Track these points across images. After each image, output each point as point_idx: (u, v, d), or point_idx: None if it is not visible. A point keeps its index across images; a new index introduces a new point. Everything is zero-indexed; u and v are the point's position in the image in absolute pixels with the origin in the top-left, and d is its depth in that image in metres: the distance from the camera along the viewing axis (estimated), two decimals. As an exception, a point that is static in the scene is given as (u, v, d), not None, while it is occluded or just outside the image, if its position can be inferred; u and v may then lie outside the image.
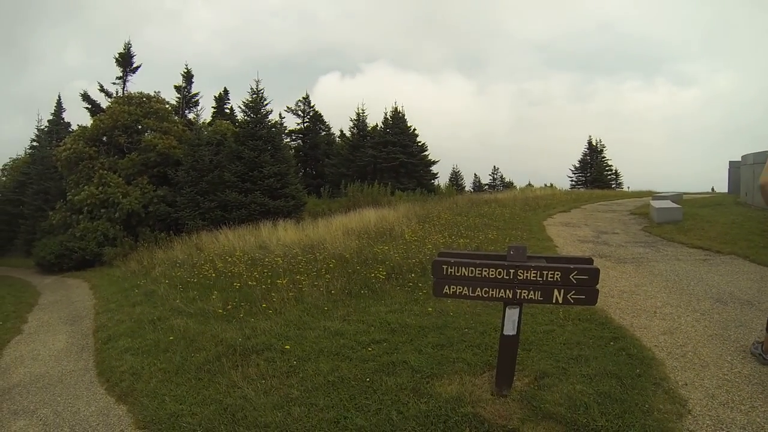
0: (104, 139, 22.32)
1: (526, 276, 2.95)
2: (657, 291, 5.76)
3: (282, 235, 11.24)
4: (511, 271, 2.98)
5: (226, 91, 35.95)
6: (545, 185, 54.59)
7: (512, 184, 56.45)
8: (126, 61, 25.75)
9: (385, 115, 34.74)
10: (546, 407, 3.02)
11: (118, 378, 4.65)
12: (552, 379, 3.41)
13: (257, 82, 22.51)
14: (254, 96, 22.30)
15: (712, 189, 30.20)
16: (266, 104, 22.63)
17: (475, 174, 62.65)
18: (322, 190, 28.34)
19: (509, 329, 3.10)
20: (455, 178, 55.22)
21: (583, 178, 51.10)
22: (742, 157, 14.50)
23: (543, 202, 18.66)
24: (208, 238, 12.79)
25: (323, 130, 40.27)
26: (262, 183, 20.27)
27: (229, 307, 6.04)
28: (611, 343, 4.04)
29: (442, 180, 48.94)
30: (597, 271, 2.87)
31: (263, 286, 6.58)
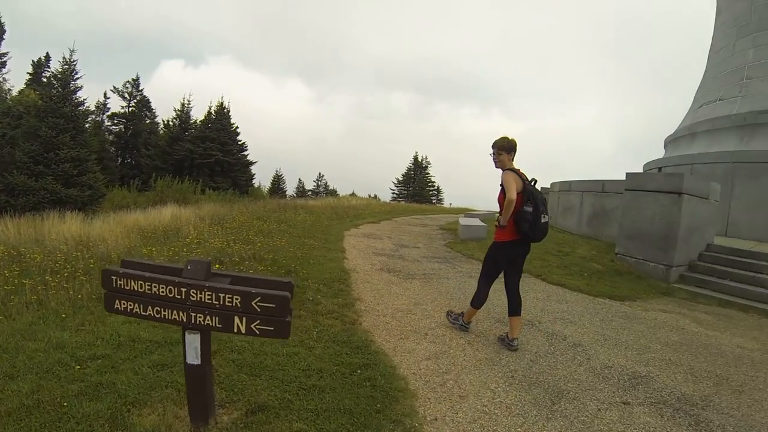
0: None
1: (201, 297, 2.35)
2: (436, 310, 5.55)
3: (64, 228, 9.43)
4: (183, 290, 2.37)
5: (48, 57, 30.47)
6: (368, 195, 56.61)
7: (335, 192, 57.59)
8: None
9: (209, 109, 32.91)
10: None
11: None
12: (269, 413, 2.86)
13: (72, 51, 19.60)
14: (65, 68, 19.48)
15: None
16: (77, 78, 19.90)
17: (299, 179, 63.09)
18: (132, 182, 25.51)
19: (192, 357, 2.51)
20: (277, 181, 55.11)
21: (405, 192, 54.16)
22: (551, 184, 16.16)
23: (355, 212, 18.76)
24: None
25: (149, 118, 36.48)
26: (56, 168, 17.93)
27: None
28: (358, 371, 3.56)
29: (267, 182, 47.17)
30: (286, 299, 2.34)
31: (6, 287, 5.17)
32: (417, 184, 52.99)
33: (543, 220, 4.00)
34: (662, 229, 8.17)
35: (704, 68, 16.77)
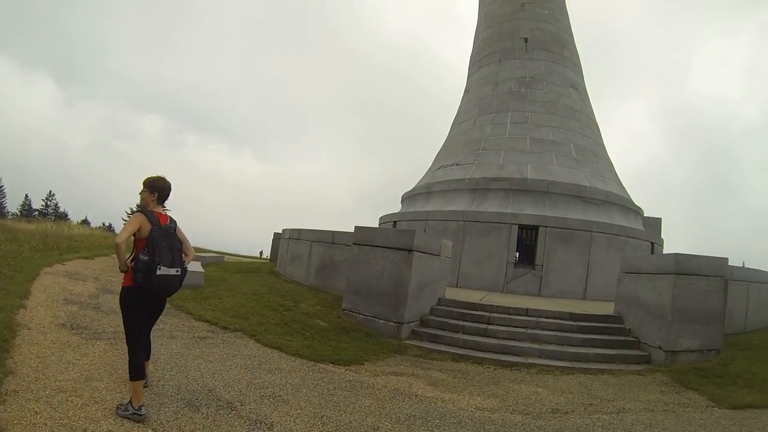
0: None
1: None
2: (113, 388, 3.92)
3: None
4: None
5: None
6: (102, 224, 48.76)
7: (66, 215, 51.09)
8: None
9: None
10: None
11: None
12: None
13: None
14: None
15: (261, 253, 32.46)
16: None
17: (26, 195, 53.34)
18: None
19: None
20: None
21: None
22: (282, 230, 14.95)
23: (70, 243, 14.70)
24: None
25: None
26: None
27: None
28: None
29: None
30: None
31: None
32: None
33: (159, 272, 3.44)
34: (392, 286, 7.31)
35: (445, 136, 18.18)
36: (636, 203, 15.41)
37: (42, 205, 52.43)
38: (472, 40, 20.03)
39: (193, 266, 10.77)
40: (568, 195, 13.46)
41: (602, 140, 16.96)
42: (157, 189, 3.77)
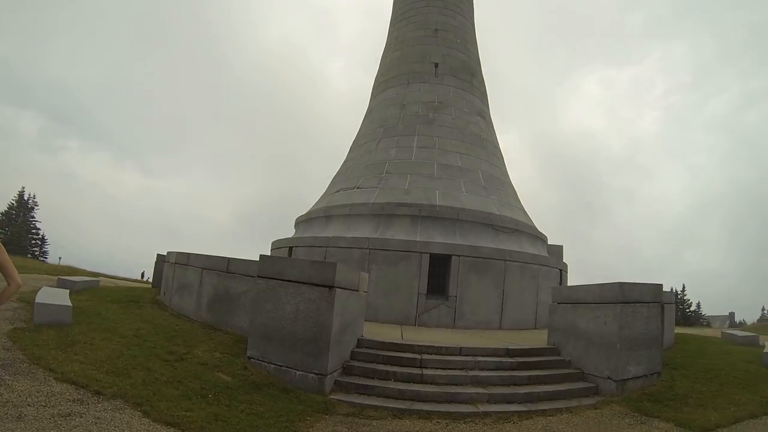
0: None
1: None
2: None
3: None
4: None
5: None
6: None
7: None
8: None
9: None
10: None
11: None
12: None
13: None
14: None
15: (143, 275, 28.87)
16: None
17: None
18: None
19: None
20: None
21: (2, 236, 39.88)
22: (168, 253, 12.83)
23: None
24: None
25: None
26: None
27: None
28: None
29: None
30: None
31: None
32: (16, 228, 39.68)
33: None
34: (310, 330, 6.04)
35: (336, 157, 17.30)
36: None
37: None
38: (379, 61, 19.52)
39: (59, 296, 8.43)
40: (479, 223, 13.12)
41: (506, 169, 17.16)
42: None
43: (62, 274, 18.25)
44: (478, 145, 15.97)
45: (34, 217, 41.71)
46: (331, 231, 13.12)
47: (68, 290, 10.04)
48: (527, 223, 14.84)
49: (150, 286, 21.27)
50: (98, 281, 16.00)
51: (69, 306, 7.69)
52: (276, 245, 15.02)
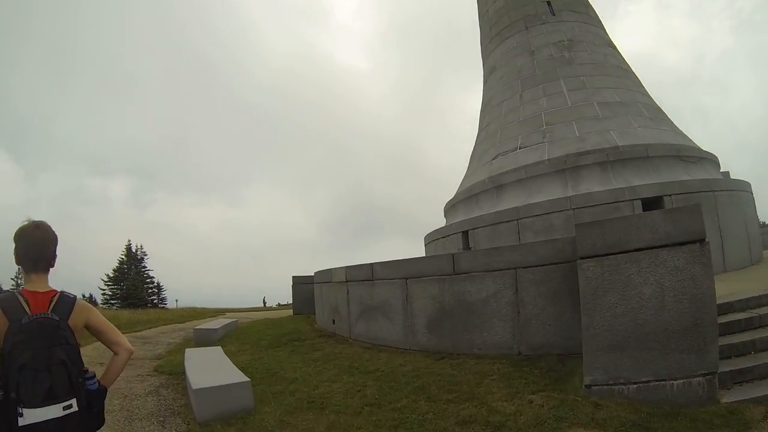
0: None
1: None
2: None
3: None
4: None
5: None
6: (83, 296, 43.63)
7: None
8: None
9: None
10: None
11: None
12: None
13: None
14: None
15: (264, 301, 28.74)
16: None
17: None
18: None
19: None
20: None
21: (120, 292, 41.56)
22: (317, 273, 11.90)
23: None
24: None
25: None
26: None
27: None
28: None
29: None
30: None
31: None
32: (131, 281, 40.89)
33: (23, 421, 1.71)
34: (685, 313, 4.34)
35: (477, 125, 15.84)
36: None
37: (12, 285, 46.70)
38: (477, 21, 17.92)
39: (217, 364, 6.09)
40: (667, 156, 11.23)
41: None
42: (20, 245, 1.99)
43: (187, 319, 17.68)
44: (623, 76, 14.02)
45: (145, 267, 42.99)
46: (509, 201, 11.66)
47: (220, 347, 7.97)
48: (704, 150, 12.87)
49: (283, 309, 20.62)
50: (236, 321, 14.22)
51: (246, 382, 5.01)
52: (435, 236, 13.83)
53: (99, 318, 2.07)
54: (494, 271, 6.32)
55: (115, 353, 2.11)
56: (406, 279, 7.42)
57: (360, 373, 6.17)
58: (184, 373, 6.14)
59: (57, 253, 2.07)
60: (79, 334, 1.96)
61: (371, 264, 8.27)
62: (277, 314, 20.78)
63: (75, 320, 1.94)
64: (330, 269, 10.12)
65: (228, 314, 22.63)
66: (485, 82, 16.47)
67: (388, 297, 7.77)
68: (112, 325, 2.11)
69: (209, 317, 20.25)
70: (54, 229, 2.08)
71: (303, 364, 7.07)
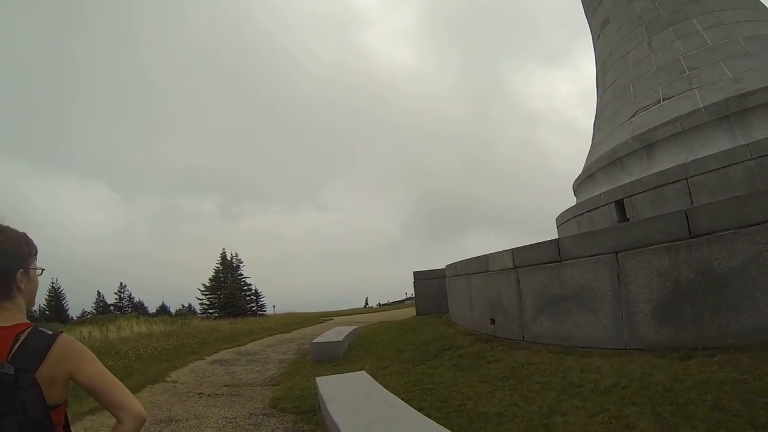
0: None
1: None
2: None
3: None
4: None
5: None
6: (182, 306, 46.84)
7: (143, 305, 52.08)
8: None
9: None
10: None
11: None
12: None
13: None
14: None
15: (366, 301, 28.96)
16: None
17: (98, 291, 52.43)
18: None
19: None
20: (54, 297, 45.78)
21: (217, 301, 42.29)
22: (452, 264, 11.45)
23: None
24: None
25: None
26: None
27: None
28: None
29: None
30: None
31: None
32: (228, 289, 41.14)
33: None
34: None
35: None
36: None
37: (116, 299, 51.04)
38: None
39: (407, 426, 3.42)
40: None
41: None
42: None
43: (292, 327, 17.60)
44: (754, 7, 12.69)
45: (242, 275, 43.32)
46: (666, 160, 10.64)
47: (365, 373, 5.73)
48: None
49: (392, 310, 20.01)
50: (358, 328, 13.17)
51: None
52: (573, 212, 12.93)
53: (94, 369, 1.38)
54: (754, 225, 4.91)
55: (119, 421, 1.36)
56: (616, 253, 5.92)
57: (595, 394, 4.30)
58: (318, 410, 4.59)
59: (33, 266, 1.45)
60: (58, 393, 1.32)
61: (556, 240, 7.07)
62: (391, 315, 20.16)
63: (50, 372, 1.29)
64: (484, 256, 9.18)
65: (335, 318, 22.16)
66: (597, 38, 15.33)
67: (588, 281, 6.26)
68: (114, 378, 1.41)
69: (315, 323, 20.20)
70: (29, 235, 1.45)
71: (489, 387, 5.15)
